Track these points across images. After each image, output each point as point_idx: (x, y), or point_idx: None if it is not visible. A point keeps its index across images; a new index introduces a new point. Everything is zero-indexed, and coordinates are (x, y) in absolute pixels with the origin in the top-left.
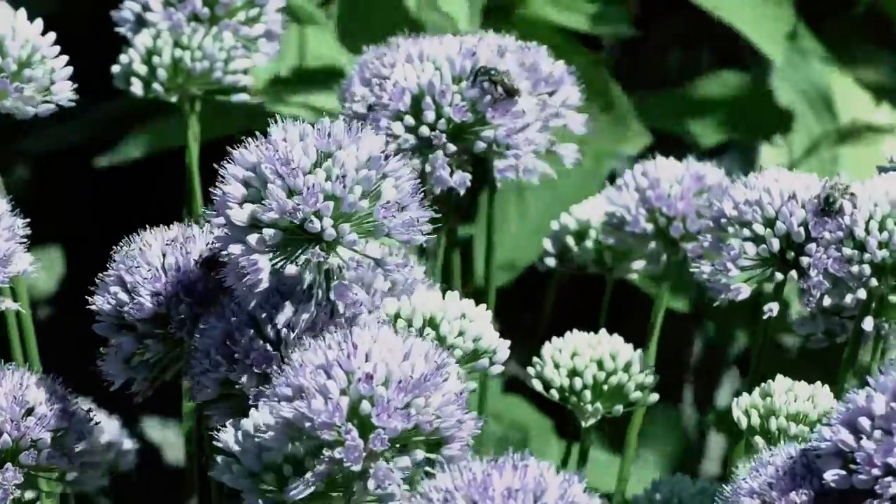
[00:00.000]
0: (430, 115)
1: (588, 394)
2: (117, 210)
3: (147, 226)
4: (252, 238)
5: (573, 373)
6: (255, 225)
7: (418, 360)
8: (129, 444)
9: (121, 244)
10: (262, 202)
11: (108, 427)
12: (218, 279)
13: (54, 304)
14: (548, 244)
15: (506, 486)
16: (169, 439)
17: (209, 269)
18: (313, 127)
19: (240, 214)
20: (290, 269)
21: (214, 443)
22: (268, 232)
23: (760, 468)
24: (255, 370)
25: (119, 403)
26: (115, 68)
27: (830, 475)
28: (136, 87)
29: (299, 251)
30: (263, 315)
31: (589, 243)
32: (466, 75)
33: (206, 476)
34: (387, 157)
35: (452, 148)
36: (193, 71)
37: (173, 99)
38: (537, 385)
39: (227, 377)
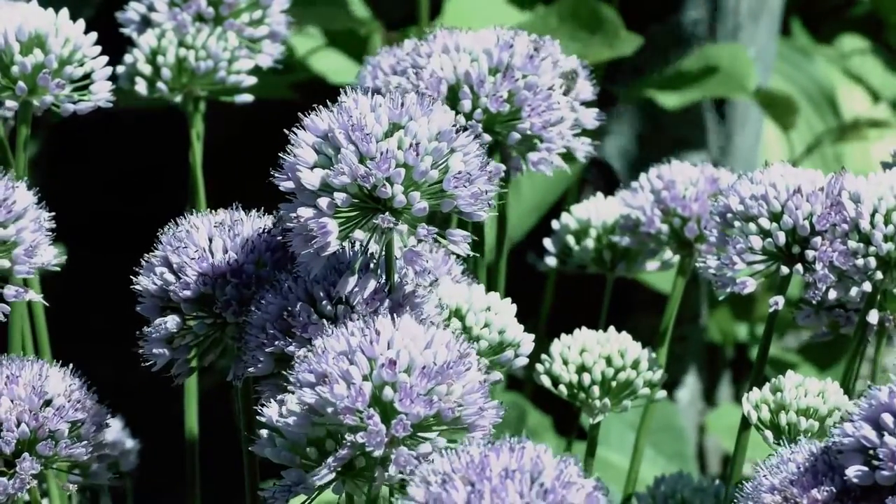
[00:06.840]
0: (466, 105)
1: (596, 390)
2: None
3: (149, 225)
4: (322, 202)
5: (582, 369)
6: (324, 190)
7: (440, 349)
8: (130, 443)
9: (164, 228)
10: (333, 167)
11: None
12: (265, 263)
13: (58, 301)
14: (548, 243)
15: (503, 467)
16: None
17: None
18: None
19: (311, 178)
20: (359, 234)
21: (258, 418)
22: (339, 196)
23: (781, 465)
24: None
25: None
26: (120, 68)
27: (853, 471)
28: (141, 87)
29: (368, 218)
30: (320, 292)
31: (589, 242)
32: (503, 67)
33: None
34: (457, 132)
35: (487, 138)
36: (197, 70)
37: (177, 99)
38: (546, 381)
39: (283, 351)
